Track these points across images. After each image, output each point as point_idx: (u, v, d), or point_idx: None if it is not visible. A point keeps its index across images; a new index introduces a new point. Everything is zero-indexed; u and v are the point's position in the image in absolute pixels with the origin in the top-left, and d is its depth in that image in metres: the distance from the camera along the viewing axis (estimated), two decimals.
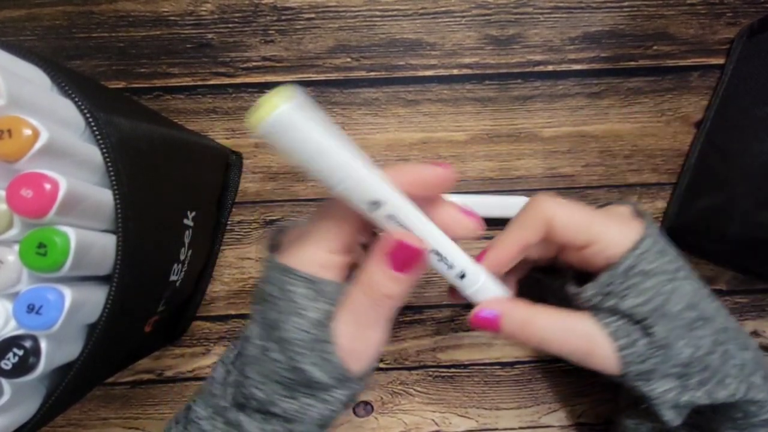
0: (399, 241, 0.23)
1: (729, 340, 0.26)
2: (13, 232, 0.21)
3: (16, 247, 0.21)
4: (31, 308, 0.21)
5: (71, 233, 0.21)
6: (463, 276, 0.25)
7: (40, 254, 0.21)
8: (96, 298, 0.24)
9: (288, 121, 0.19)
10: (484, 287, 0.26)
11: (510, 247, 0.27)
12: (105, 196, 0.24)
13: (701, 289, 0.26)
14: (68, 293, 0.22)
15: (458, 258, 0.25)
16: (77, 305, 0.22)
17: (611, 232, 0.26)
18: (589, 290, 0.26)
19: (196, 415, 0.27)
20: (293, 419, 0.25)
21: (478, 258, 0.27)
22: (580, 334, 0.26)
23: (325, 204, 0.24)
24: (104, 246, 0.24)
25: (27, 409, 0.25)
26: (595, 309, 0.27)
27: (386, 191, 0.22)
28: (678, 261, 0.26)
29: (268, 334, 0.24)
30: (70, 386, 0.25)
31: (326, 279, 0.24)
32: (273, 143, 0.19)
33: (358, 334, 0.24)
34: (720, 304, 0.27)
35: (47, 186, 0.20)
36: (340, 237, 0.24)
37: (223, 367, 0.28)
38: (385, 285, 0.23)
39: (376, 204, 0.22)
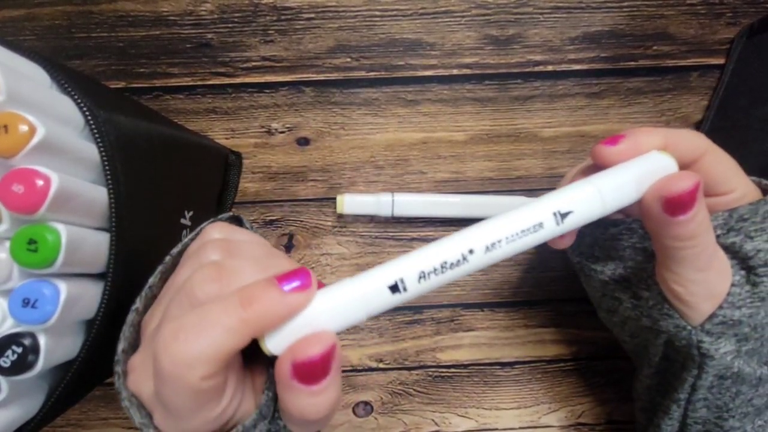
0: (297, 361, 0.18)
1: None
2: (3, 228, 0.21)
3: (7, 244, 0.21)
4: (26, 302, 0.21)
5: (63, 230, 0.21)
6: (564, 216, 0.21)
7: (31, 250, 0.20)
8: (92, 293, 0.24)
9: None
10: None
11: (654, 138, 0.24)
12: (99, 194, 0.24)
13: None
14: (63, 287, 0.22)
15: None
16: (73, 299, 0.22)
17: (751, 185, 0.25)
18: (719, 219, 0.25)
19: None
20: None
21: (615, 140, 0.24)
22: (720, 257, 0.24)
23: (174, 389, 0.18)
24: (97, 244, 0.24)
25: (27, 409, 0.25)
26: None
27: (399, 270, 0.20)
28: None
29: None
30: (71, 385, 0.25)
31: (239, 427, 0.20)
32: None
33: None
34: None
35: (39, 182, 0.20)
36: (215, 402, 0.19)
37: None
38: (315, 404, 0.19)
39: (395, 288, 0.20)
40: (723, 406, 0.27)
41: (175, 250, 0.24)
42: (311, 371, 0.18)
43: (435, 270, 0.20)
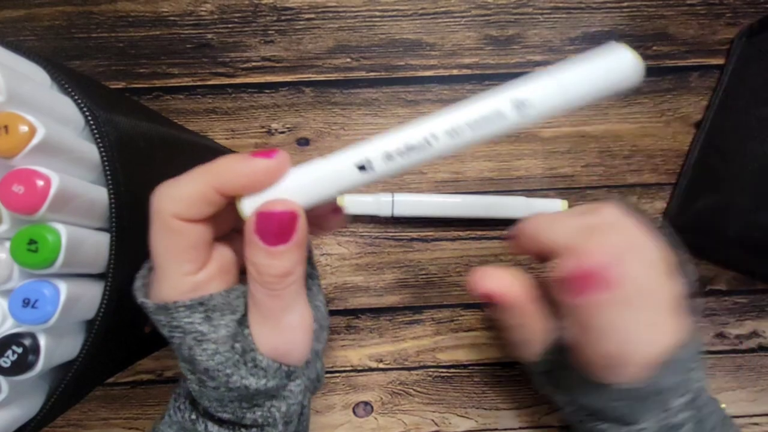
0: (260, 213, 0.20)
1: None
2: (3, 228, 0.21)
3: (7, 244, 0.21)
4: (26, 302, 0.21)
5: (63, 230, 0.21)
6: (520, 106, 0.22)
7: (31, 251, 0.20)
8: (92, 293, 0.24)
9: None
10: None
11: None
12: (100, 194, 0.24)
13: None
14: (64, 287, 0.22)
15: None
16: (73, 299, 0.22)
17: (639, 341, 0.22)
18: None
19: None
20: (264, 425, 0.24)
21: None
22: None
23: (157, 226, 0.21)
24: (97, 244, 0.24)
25: (28, 409, 0.25)
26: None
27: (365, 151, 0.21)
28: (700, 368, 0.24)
29: (194, 369, 0.23)
30: (71, 385, 0.25)
31: (208, 294, 0.22)
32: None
33: (275, 328, 0.22)
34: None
35: (39, 182, 0.20)
36: (190, 256, 0.21)
37: (185, 384, 0.26)
38: (270, 266, 0.21)
39: (362, 167, 0.21)
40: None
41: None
42: (270, 228, 0.20)
43: (400, 152, 0.21)
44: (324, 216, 0.25)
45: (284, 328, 0.22)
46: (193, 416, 0.25)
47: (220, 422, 0.24)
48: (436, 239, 0.41)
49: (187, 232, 0.21)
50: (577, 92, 0.22)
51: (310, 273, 0.27)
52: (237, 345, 0.22)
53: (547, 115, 0.22)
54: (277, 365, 0.23)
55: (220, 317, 0.22)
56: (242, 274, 0.23)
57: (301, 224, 0.21)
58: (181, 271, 0.21)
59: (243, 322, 0.23)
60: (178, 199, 0.20)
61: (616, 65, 0.23)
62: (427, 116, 0.21)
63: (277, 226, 0.20)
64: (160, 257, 0.21)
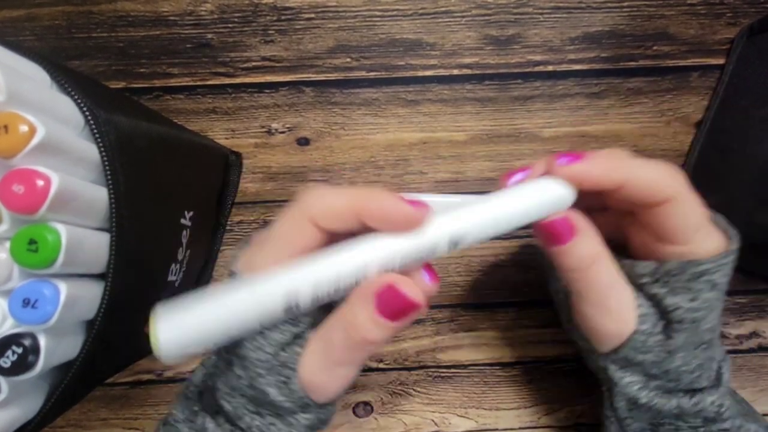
0: (392, 286, 0.20)
1: (707, 370, 0.26)
2: (3, 228, 0.21)
3: (7, 244, 0.21)
4: (26, 302, 0.21)
5: (63, 230, 0.21)
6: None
7: (31, 251, 0.21)
8: (92, 293, 0.24)
9: (176, 334, 0.20)
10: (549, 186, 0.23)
11: (616, 172, 0.23)
12: (100, 194, 0.24)
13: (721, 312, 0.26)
14: (63, 287, 0.22)
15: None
16: (73, 299, 0.22)
17: (709, 239, 0.24)
18: (647, 268, 0.25)
19: (173, 418, 0.26)
20: None
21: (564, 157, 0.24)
22: (617, 292, 0.25)
23: (293, 217, 0.22)
24: (97, 244, 0.24)
25: (28, 409, 0.25)
26: (634, 286, 0.26)
27: (292, 287, 0.21)
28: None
29: (231, 349, 0.23)
30: (71, 385, 0.25)
31: None
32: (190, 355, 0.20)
33: (326, 369, 0.22)
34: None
35: (39, 182, 0.20)
36: (303, 241, 0.22)
37: (202, 371, 0.27)
38: (369, 329, 0.21)
39: (289, 308, 0.21)
40: (654, 428, 0.28)
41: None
42: (391, 303, 0.21)
43: (329, 294, 0.21)
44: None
45: (334, 376, 0.23)
46: (196, 408, 0.25)
47: (216, 422, 0.24)
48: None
49: (309, 235, 0.21)
50: (509, 225, 0.23)
51: None
52: (282, 354, 0.22)
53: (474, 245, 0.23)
54: (303, 394, 0.23)
55: (283, 322, 0.22)
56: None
57: (415, 315, 0.21)
58: (279, 256, 0.22)
59: (298, 338, 0.23)
60: (323, 208, 0.21)
61: (550, 200, 0.23)
62: (361, 248, 0.21)
63: (399, 306, 0.21)
64: (275, 237, 0.22)
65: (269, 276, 0.21)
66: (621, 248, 0.27)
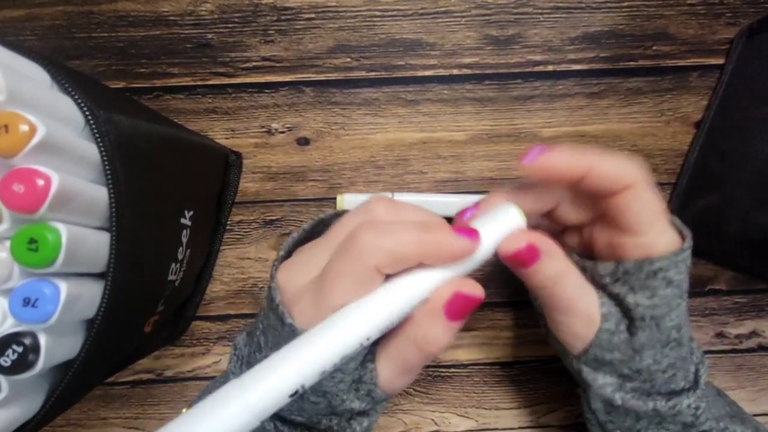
0: (458, 294, 0.22)
1: (681, 368, 0.27)
2: (4, 228, 0.21)
3: (8, 243, 0.21)
4: (26, 301, 0.21)
5: (63, 229, 0.21)
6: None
7: (32, 250, 0.21)
8: (92, 292, 0.24)
9: None
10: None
11: (579, 162, 0.24)
12: (100, 193, 0.24)
13: (687, 312, 0.27)
14: (64, 286, 0.22)
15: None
16: (73, 298, 0.22)
17: (666, 233, 0.25)
18: (607, 269, 0.26)
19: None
20: (334, 430, 0.25)
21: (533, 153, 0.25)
22: (584, 300, 0.26)
23: (353, 265, 0.21)
24: (98, 243, 0.24)
25: (28, 408, 0.25)
26: (597, 286, 0.27)
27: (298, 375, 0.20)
28: (688, 280, 0.26)
29: (322, 387, 0.23)
30: (71, 384, 0.25)
31: None
32: None
33: (404, 378, 0.24)
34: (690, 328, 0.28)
35: (39, 182, 0.20)
36: (368, 289, 0.21)
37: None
38: (440, 339, 0.22)
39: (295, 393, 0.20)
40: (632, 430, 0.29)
41: (307, 225, 0.27)
42: (461, 307, 0.22)
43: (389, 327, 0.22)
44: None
45: (409, 379, 0.24)
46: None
47: (290, 424, 0.25)
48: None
49: (374, 282, 0.21)
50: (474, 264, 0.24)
51: None
52: (359, 375, 0.24)
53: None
54: (382, 395, 0.24)
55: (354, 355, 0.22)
56: None
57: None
58: (341, 303, 0.21)
59: (369, 355, 0.24)
60: (385, 254, 0.21)
61: (505, 227, 0.24)
62: (412, 281, 0.22)
63: (468, 307, 0.22)
64: (335, 293, 0.21)
65: (338, 333, 0.20)
66: (586, 252, 0.29)
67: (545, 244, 0.24)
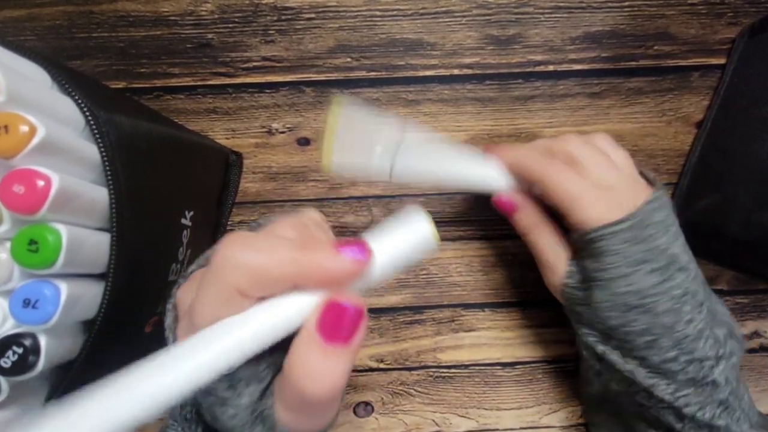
0: (331, 303, 0.18)
1: (664, 336, 0.28)
2: (4, 229, 0.21)
3: (8, 244, 0.21)
4: (27, 303, 0.21)
5: (63, 230, 0.21)
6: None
7: (32, 251, 0.20)
8: (92, 293, 0.24)
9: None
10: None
11: (521, 157, 0.33)
12: (100, 194, 0.24)
13: (669, 289, 0.28)
14: (64, 288, 0.22)
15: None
16: (73, 300, 0.22)
17: (593, 210, 0.29)
18: (571, 238, 0.31)
19: None
20: None
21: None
22: (549, 253, 0.33)
23: (213, 289, 0.19)
24: (98, 244, 0.24)
25: (29, 409, 0.25)
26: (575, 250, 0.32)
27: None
28: (654, 255, 0.28)
29: (214, 421, 0.21)
30: (71, 385, 0.25)
31: (242, 367, 0.20)
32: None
33: (304, 422, 0.21)
34: (703, 311, 0.29)
35: (40, 182, 0.20)
36: (230, 313, 0.19)
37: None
38: (322, 371, 0.18)
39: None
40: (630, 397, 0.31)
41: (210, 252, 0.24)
42: (337, 322, 0.18)
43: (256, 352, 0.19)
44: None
45: (314, 424, 0.21)
46: (200, 429, 0.24)
47: None
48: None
49: (238, 304, 0.18)
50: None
51: None
52: (258, 405, 0.21)
53: None
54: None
55: (245, 386, 0.20)
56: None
57: (363, 328, 0.19)
58: (206, 326, 0.19)
59: (262, 390, 0.21)
60: (248, 273, 0.18)
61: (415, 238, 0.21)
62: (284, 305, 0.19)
63: (347, 322, 0.18)
64: (200, 314, 0.19)
65: (196, 354, 0.18)
66: None
67: (521, 201, 0.33)
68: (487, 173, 0.33)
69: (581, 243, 0.30)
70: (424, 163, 0.31)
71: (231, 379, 0.20)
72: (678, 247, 0.29)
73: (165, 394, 0.17)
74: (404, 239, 0.20)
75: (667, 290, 0.28)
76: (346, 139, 0.21)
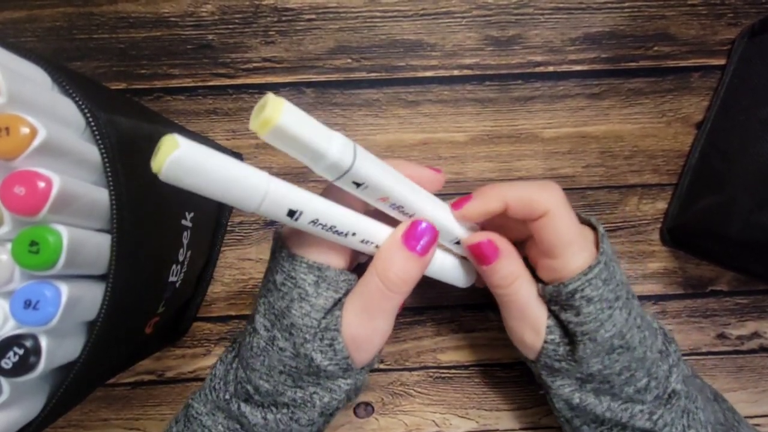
0: (415, 222, 0.25)
1: (639, 368, 0.28)
2: (5, 230, 0.21)
3: (9, 246, 0.21)
4: (27, 304, 0.21)
5: (64, 231, 0.21)
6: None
7: (33, 252, 0.21)
8: (93, 294, 0.24)
9: (184, 162, 0.18)
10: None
11: (494, 201, 0.27)
12: (101, 195, 0.24)
13: (634, 316, 0.27)
14: (65, 289, 0.22)
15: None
16: (74, 301, 0.22)
17: (578, 256, 0.27)
18: (543, 290, 0.28)
19: (195, 411, 0.27)
20: (299, 406, 0.26)
21: (458, 203, 0.28)
22: (533, 308, 0.28)
23: (330, 190, 0.25)
24: (99, 245, 0.24)
25: (29, 410, 0.25)
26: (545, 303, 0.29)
27: (300, 199, 0.22)
28: (619, 289, 0.27)
29: (275, 323, 0.25)
30: (72, 386, 0.25)
31: (332, 266, 0.25)
32: (177, 183, 0.19)
33: (365, 323, 0.25)
34: (649, 328, 0.29)
35: (40, 184, 0.20)
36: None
37: (223, 365, 0.28)
38: (401, 269, 0.24)
39: (293, 214, 0.22)
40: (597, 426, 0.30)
41: None
42: (419, 238, 0.25)
43: (324, 226, 0.23)
44: None
45: (372, 328, 0.25)
46: (227, 396, 0.27)
47: (251, 404, 0.27)
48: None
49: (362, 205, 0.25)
50: (444, 272, 0.30)
51: None
52: (324, 320, 0.25)
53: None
54: (347, 353, 0.25)
55: (326, 289, 0.25)
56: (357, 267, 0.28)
57: (435, 246, 0.25)
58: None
59: (339, 304, 0.25)
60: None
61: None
62: (362, 217, 0.24)
63: (426, 240, 0.25)
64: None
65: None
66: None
67: (505, 245, 0.27)
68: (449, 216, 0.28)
69: (559, 295, 0.27)
70: (387, 177, 0.24)
71: (319, 276, 0.25)
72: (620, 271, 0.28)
73: (324, 208, 0.23)
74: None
75: (633, 321, 0.27)
76: (298, 115, 0.20)
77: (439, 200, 0.28)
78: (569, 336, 0.28)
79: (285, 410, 0.26)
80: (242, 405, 0.26)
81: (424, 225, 0.25)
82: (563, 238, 0.26)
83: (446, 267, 0.30)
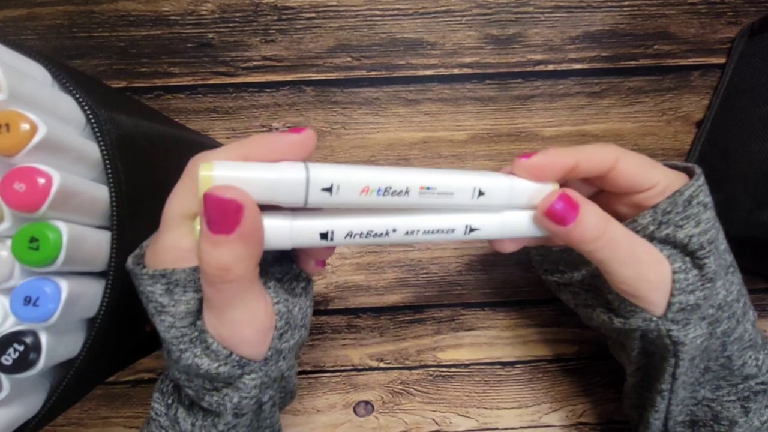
0: (207, 194, 0.19)
1: (746, 294, 0.28)
2: (5, 226, 0.21)
3: (9, 242, 0.21)
4: (27, 300, 0.21)
5: (64, 228, 0.21)
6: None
7: (33, 249, 0.20)
8: (93, 291, 0.24)
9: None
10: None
11: (566, 158, 0.24)
12: (101, 192, 0.24)
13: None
14: (65, 285, 0.22)
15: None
16: (74, 297, 0.22)
17: (671, 173, 0.26)
18: (647, 217, 0.26)
19: (155, 411, 0.27)
20: (214, 410, 0.25)
21: (524, 157, 0.25)
22: (641, 243, 0.25)
23: (184, 184, 0.22)
24: (99, 242, 0.24)
25: (29, 407, 0.25)
26: (647, 239, 0.26)
27: (327, 221, 0.22)
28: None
29: (162, 338, 0.23)
30: (72, 383, 0.25)
31: (178, 269, 0.22)
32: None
33: (220, 318, 0.22)
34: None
35: (41, 180, 0.20)
36: (184, 222, 0.22)
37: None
38: (209, 255, 0.19)
39: (324, 236, 0.22)
40: (695, 382, 0.29)
41: None
42: (214, 213, 0.19)
43: (361, 234, 0.22)
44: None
45: (227, 322, 0.22)
46: (170, 401, 0.26)
47: (188, 408, 0.26)
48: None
49: (179, 227, 0.22)
50: (514, 232, 0.25)
51: (297, 274, 0.27)
52: (199, 322, 0.23)
53: (487, 240, 0.26)
54: (227, 352, 0.22)
55: (182, 293, 0.22)
56: None
57: (249, 219, 0.19)
58: (182, 231, 0.22)
59: (199, 303, 0.23)
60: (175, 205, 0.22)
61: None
62: (394, 213, 0.23)
63: (220, 213, 0.19)
64: (172, 213, 0.22)
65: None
66: None
67: (579, 195, 0.24)
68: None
69: (675, 207, 0.25)
70: (350, 167, 0.23)
71: (167, 283, 0.22)
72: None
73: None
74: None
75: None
76: (231, 163, 0.20)
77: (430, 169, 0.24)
78: (691, 258, 0.25)
79: (209, 416, 0.25)
80: (179, 411, 0.25)
81: (220, 197, 0.19)
82: (645, 165, 0.26)
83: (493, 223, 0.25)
